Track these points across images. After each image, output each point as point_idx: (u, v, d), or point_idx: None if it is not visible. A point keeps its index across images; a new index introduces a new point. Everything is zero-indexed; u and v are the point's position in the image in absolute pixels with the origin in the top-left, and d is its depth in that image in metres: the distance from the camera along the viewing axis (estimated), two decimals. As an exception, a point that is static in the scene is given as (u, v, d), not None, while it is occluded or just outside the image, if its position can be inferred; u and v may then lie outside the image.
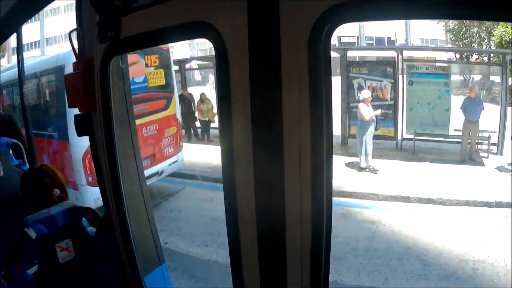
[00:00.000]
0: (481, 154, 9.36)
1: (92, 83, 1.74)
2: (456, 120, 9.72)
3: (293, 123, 1.21)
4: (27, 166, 3.17)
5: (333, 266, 5.62)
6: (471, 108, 9.08)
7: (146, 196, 2.12)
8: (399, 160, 9.20)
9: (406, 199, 7.55)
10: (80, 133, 1.87)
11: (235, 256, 1.40)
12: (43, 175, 2.18)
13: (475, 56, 18.70)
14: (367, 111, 8.56)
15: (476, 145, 9.24)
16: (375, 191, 7.82)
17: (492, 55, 14.92)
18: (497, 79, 11.42)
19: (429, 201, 7.43)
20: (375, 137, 9.42)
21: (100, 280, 2.17)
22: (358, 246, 6.19)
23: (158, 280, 2.24)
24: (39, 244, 1.89)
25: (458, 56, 17.60)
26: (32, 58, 9.03)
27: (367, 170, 8.61)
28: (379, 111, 8.75)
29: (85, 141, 2.27)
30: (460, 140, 9.36)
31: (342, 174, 8.67)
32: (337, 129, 10.23)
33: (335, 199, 7.55)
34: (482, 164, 9.05)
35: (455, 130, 9.62)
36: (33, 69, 6.97)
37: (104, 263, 2.17)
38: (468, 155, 9.08)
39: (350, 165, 9.29)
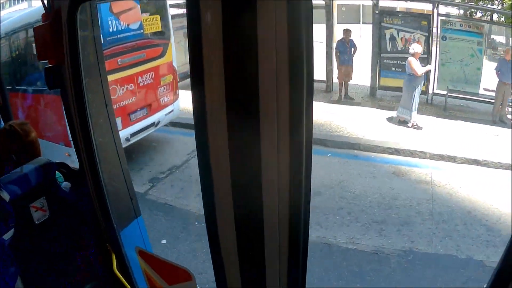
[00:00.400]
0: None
1: (60, 34, 1.71)
2: (487, 80, 9.59)
3: (270, 77, 1.07)
4: (2, 124, 3.02)
5: (404, 232, 5.43)
6: (506, 70, 8.82)
7: (119, 147, 2.04)
8: (432, 116, 8.87)
9: (452, 159, 7.31)
10: (51, 86, 1.82)
11: (212, 227, 1.30)
12: (7, 138, 2.10)
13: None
14: (419, 66, 8.16)
15: (508, 108, 9.08)
16: (421, 148, 7.45)
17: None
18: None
19: (475, 162, 7.23)
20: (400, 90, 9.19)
21: (77, 239, 2.12)
22: (422, 210, 5.98)
23: (134, 234, 2.19)
24: (13, 206, 1.82)
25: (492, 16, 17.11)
26: (17, 11, 8.61)
27: (411, 126, 8.19)
28: (429, 67, 8.24)
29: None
30: (490, 100, 9.20)
31: (381, 129, 8.21)
32: (366, 79, 9.66)
33: (382, 156, 7.35)
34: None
35: (485, 89, 9.39)
36: (17, 23, 6.55)
37: (80, 220, 2.12)
38: (499, 117, 8.88)
39: (390, 119, 8.87)
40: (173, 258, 5.01)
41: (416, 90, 8.21)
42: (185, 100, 8.18)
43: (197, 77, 1.13)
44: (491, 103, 9.12)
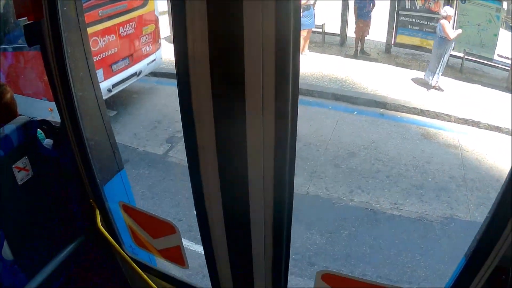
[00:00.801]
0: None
1: None
2: (502, 47, 9.14)
3: (256, 72, 1.08)
4: None
5: (442, 199, 5.20)
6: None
7: (100, 101, 2.00)
8: (449, 78, 8.47)
9: (476, 124, 6.99)
10: (30, 43, 1.75)
11: (201, 211, 1.44)
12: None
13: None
14: (451, 30, 7.71)
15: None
16: (446, 111, 7.07)
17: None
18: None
19: (497, 129, 6.95)
20: (420, 48, 8.86)
21: (60, 196, 2.11)
22: (455, 175, 5.73)
23: (117, 188, 2.18)
24: None
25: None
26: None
27: (435, 88, 7.76)
28: (460, 30, 7.78)
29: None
30: (504, 67, 8.84)
31: (404, 88, 7.73)
32: (380, 36, 9.07)
33: (408, 116, 6.95)
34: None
35: (499, 56, 9.10)
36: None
37: (63, 176, 2.10)
38: (516, 85, 8.67)
39: (415, 80, 8.33)
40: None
41: (445, 53, 7.78)
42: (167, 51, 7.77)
43: (182, 72, 1.15)
44: (506, 70, 8.82)
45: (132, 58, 6.94)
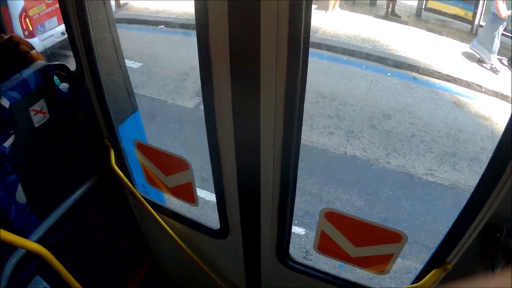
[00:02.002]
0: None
1: None
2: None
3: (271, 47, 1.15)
4: None
5: (474, 169, 4.98)
6: None
7: (116, 43, 1.94)
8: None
9: (505, 98, 6.64)
10: None
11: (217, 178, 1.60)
12: (19, 45, 1.98)
13: None
14: (504, 8, 7.05)
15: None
16: (477, 81, 6.70)
17: None
18: None
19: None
20: (449, 15, 8.34)
21: (75, 137, 2.12)
22: (485, 147, 5.53)
23: (131, 128, 2.17)
24: (13, 112, 1.74)
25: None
26: None
27: (490, 69, 7.25)
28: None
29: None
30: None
31: (437, 54, 7.30)
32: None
33: (440, 83, 6.61)
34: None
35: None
36: None
37: (78, 118, 2.08)
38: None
39: (465, 54, 7.79)
40: None
41: (497, 31, 7.16)
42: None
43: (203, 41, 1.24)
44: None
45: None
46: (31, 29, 6.28)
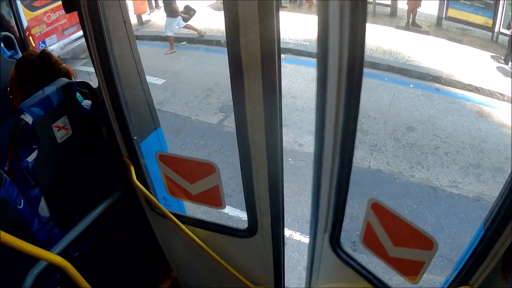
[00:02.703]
0: None
1: None
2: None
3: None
4: (20, 54, 3.02)
5: (499, 179, 4.92)
6: None
7: (137, 60, 1.98)
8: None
9: (528, 106, 6.53)
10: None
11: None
12: (53, 58, 2.01)
13: None
14: None
15: None
16: (500, 90, 6.65)
17: None
18: None
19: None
20: (469, 24, 8.37)
21: (98, 154, 2.15)
22: (510, 157, 5.39)
23: (154, 144, 2.20)
24: (36, 128, 1.79)
25: None
26: None
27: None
28: None
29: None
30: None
31: (459, 64, 7.25)
32: (431, 8, 8.56)
33: (463, 93, 6.56)
34: None
35: None
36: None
37: (101, 135, 2.12)
38: None
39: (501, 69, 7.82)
40: None
41: None
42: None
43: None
44: None
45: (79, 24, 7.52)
46: (34, 45, 7.19)
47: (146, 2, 10.63)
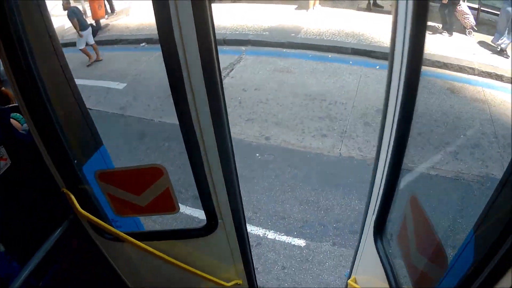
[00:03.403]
0: None
1: None
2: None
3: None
4: None
5: (476, 156, 4.72)
6: None
7: (66, 71, 1.72)
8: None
9: (500, 78, 6.36)
10: None
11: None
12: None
13: None
14: None
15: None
16: (469, 64, 6.43)
17: None
18: None
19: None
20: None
21: (41, 181, 1.92)
22: (486, 131, 5.26)
23: (98, 165, 1.99)
24: None
25: None
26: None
27: (502, 51, 6.94)
28: None
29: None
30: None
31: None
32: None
33: (431, 70, 6.35)
34: None
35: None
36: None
37: (42, 162, 1.88)
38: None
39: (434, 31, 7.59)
40: (244, 203, 4.02)
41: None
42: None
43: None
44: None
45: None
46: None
47: (103, 7, 10.19)
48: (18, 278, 1.77)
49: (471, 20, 7.12)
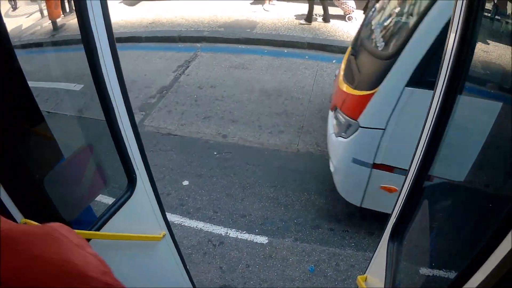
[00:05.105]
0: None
1: None
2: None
3: None
4: None
5: None
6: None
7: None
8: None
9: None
10: None
11: None
12: None
13: None
14: None
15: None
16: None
17: None
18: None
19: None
20: None
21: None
22: None
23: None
24: None
25: None
26: None
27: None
28: None
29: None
30: None
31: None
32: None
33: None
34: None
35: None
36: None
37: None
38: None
39: None
40: (204, 203, 3.97)
41: None
42: None
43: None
44: None
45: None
46: None
47: (60, 6, 9.64)
48: None
49: (349, 5, 7.34)
